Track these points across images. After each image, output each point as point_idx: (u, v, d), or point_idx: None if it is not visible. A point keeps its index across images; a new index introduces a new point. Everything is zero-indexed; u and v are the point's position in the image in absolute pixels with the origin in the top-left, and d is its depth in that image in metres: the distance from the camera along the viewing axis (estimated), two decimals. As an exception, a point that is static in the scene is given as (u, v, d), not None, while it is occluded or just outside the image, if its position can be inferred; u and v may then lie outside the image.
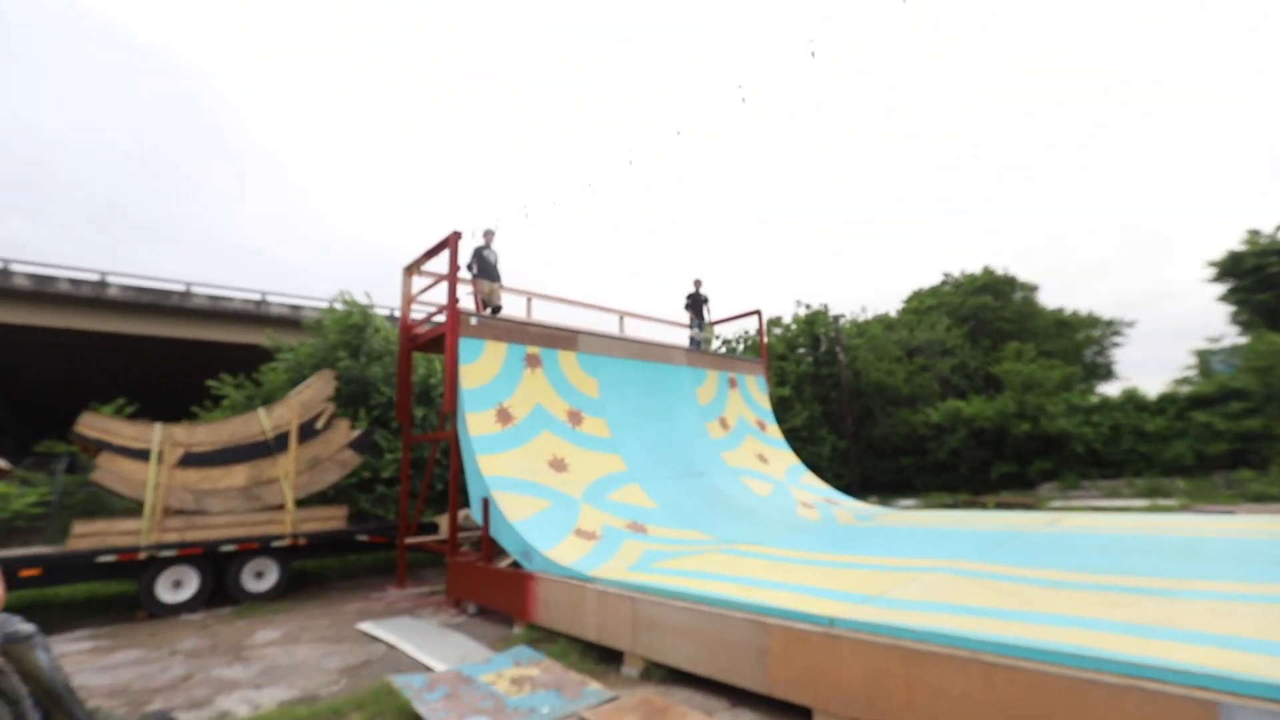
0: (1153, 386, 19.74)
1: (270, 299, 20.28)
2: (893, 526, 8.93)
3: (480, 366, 8.47)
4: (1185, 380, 18.22)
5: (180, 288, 18.89)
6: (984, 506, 15.25)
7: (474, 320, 8.64)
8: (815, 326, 22.39)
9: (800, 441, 18.65)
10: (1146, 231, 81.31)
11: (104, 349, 20.05)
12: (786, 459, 12.41)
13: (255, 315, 19.65)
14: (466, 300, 9.85)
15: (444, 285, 8.88)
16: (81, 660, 6.17)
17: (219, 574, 8.29)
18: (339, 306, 13.45)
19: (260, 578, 8.54)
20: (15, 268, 16.85)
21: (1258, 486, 13.84)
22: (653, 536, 7.61)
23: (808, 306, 23.41)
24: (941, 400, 21.96)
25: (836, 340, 21.63)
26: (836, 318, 22.40)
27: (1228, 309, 21.51)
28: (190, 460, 8.17)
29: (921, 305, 30.07)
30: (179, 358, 20.84)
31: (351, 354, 12.65)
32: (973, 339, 27.01)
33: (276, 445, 8.84)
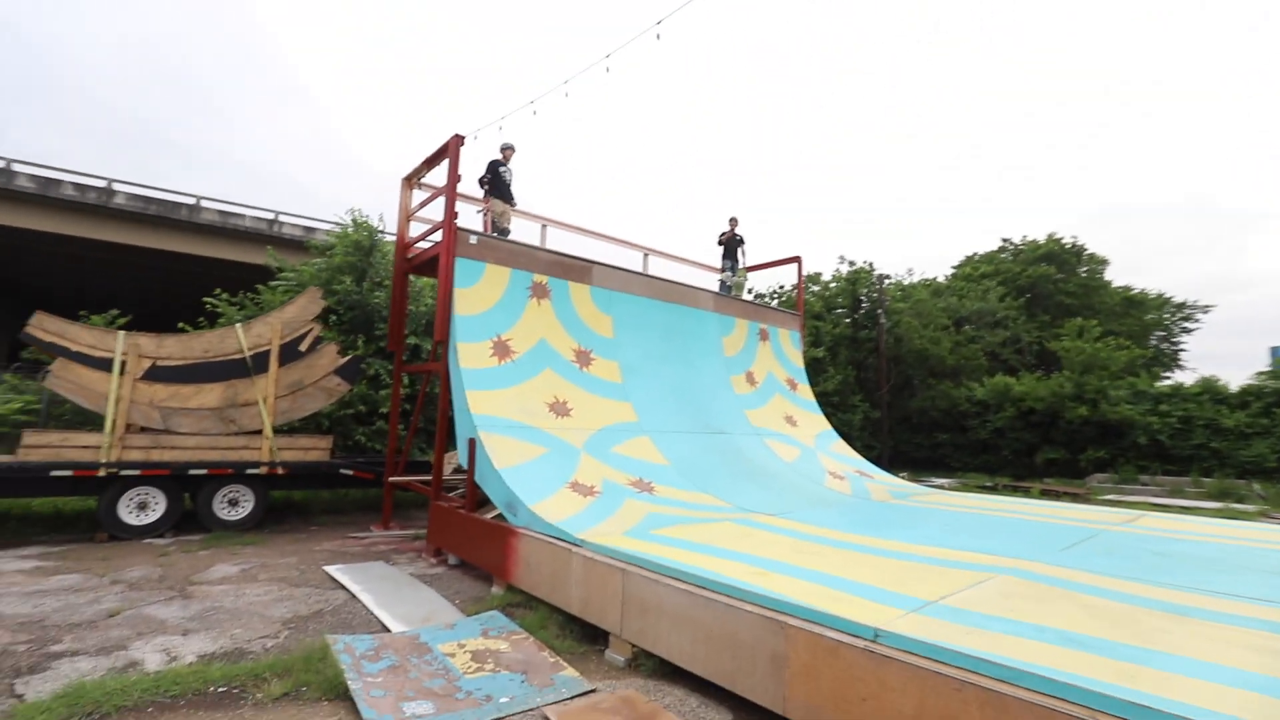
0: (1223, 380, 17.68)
1: (284, 219, 19.49)
2: (935, 508, 7.82)
3: (478, 292, 7.45)
4: (1273, 374, 16.29)
5: (190, 200, 18.19)
6: (1028, 493, 13.97)
7: (474, 239, 7.57)
8: (858, 286, 20.76)
9: (830, 408, 17.41)
10: (1224, 215, 75.83)
11: (107, 260, 19.53)
12: (817, 423, 11.27)
13: (266, 235, 18.84)
14: (472, 220, 8.81)
15: (444, 199, 7.80)
16: (14, 582, 5.55)
17: (191, 499, 7.68)
18: (350, 228, 12.53)
19: (235, 506, 7.91)
20: (18, 168, 16.24)
21: (1352, 496, 12.23)
22: (659, 497, 6.65)
23: (851, 264, 21.70)
24: (989, 375, 20.36)
25: (879, 302, 20.04)
26: (881, 278, 20.74)
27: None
28: (158, 374, 7.42)
29: (975, 272, 27.90)
30: (185, 274, 20.22)
31: (356, 278, 11.78)
32: (1029, 312, 24.98)
33: (255, 365, 8.06)
